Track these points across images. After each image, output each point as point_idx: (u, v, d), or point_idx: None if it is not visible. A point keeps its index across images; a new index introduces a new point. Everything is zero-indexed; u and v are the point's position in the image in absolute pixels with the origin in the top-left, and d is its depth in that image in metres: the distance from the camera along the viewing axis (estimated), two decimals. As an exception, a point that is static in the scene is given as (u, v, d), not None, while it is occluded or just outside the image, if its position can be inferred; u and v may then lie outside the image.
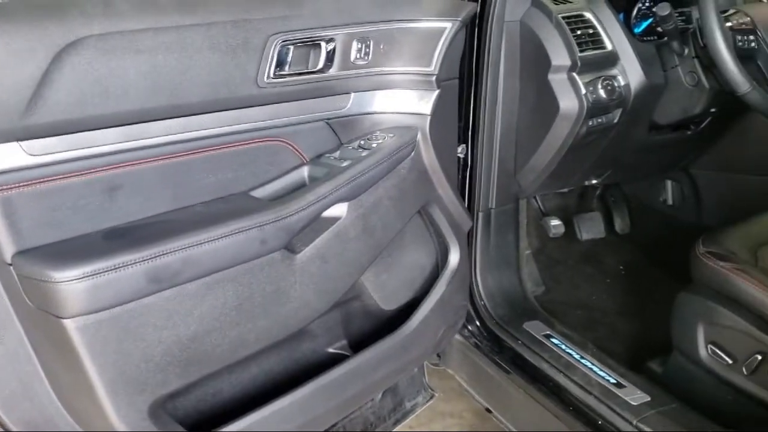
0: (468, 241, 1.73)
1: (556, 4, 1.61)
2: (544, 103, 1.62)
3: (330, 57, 1.23)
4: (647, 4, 1.83)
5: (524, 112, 1.68)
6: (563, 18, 1.57)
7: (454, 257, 1.53)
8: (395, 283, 1.48)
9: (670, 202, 2.29)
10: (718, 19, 1.44)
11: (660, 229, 2.34)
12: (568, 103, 1.58)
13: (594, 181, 2.01)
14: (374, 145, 1.28)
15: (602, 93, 1.57)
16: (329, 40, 1.22)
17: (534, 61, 1.62)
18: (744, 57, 1.47)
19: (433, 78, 1.33)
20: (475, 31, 1.59)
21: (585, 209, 2.28)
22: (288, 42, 1.16)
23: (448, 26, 1.33)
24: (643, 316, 1.99)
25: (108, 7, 0.95)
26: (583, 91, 1.56)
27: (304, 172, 1.26)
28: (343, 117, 1.32)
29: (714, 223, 2.19)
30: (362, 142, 1.30)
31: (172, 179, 1.09)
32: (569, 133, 1.61)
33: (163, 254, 0.96)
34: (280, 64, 1.16)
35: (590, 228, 2.23)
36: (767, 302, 1.35)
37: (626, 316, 2.01)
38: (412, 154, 1.35)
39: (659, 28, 1.61)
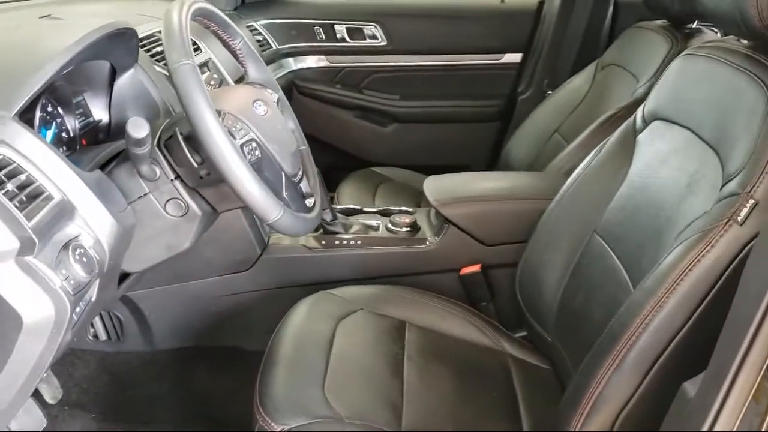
0: None
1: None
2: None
3: None
4: (49, 106, 1.22)
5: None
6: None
7: None
8: None
9: (103, 336, 1.75)
10: (224, 132, 1.01)
11: (102, 374, 1.78)
12: (34, 308, 0.88)
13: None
14: None
15: (80, 270, 0.94)
16: None
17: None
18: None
19: None
20: None
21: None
22: None
23: None
24: None
25: None
26: (57, 282, 0.90)
27: None
28: None
29: (165, 344, 1.79)
30: None
31: None
32: (46, 348, 0.92)
33: None
34: None
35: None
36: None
37: None
38: None
39: (130, 148, 1.04)
